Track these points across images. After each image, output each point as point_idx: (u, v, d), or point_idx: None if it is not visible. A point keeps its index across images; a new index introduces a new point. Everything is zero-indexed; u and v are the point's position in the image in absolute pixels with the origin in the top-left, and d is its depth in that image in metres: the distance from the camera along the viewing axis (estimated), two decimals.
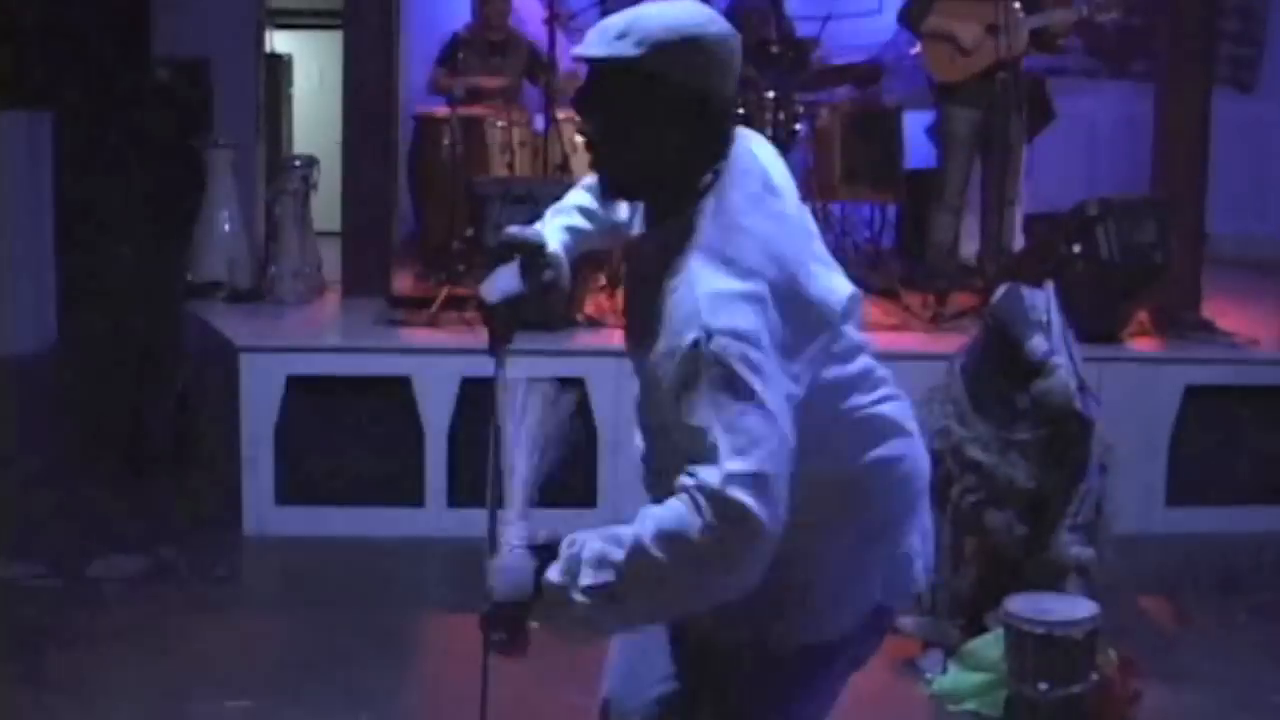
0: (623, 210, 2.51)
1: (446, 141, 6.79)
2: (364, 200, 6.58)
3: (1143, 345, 6.01)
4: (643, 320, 2.21)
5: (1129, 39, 8.79)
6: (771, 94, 6.83)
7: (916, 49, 6.86)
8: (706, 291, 2.09)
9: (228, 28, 7.77)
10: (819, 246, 2.32)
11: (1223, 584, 5.29)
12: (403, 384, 5.56)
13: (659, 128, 2.20)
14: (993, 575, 4.41)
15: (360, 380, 5.62)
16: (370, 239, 6.62)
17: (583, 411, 5.51)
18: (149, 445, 6.03)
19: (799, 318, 2.15)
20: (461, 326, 5.77)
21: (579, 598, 2.07)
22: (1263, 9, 9.08)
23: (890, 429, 2.33)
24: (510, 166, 6.95)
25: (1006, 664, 4.06)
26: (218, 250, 6.91)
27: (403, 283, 6.74)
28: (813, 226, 2.34)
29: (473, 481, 5.31)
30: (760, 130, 2.99)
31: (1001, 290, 4.66)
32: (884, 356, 2.39)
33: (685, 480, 2.04)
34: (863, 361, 2.30)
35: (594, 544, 2.08)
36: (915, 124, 7.18)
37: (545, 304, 2.46)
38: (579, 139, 6.88)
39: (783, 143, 6.54)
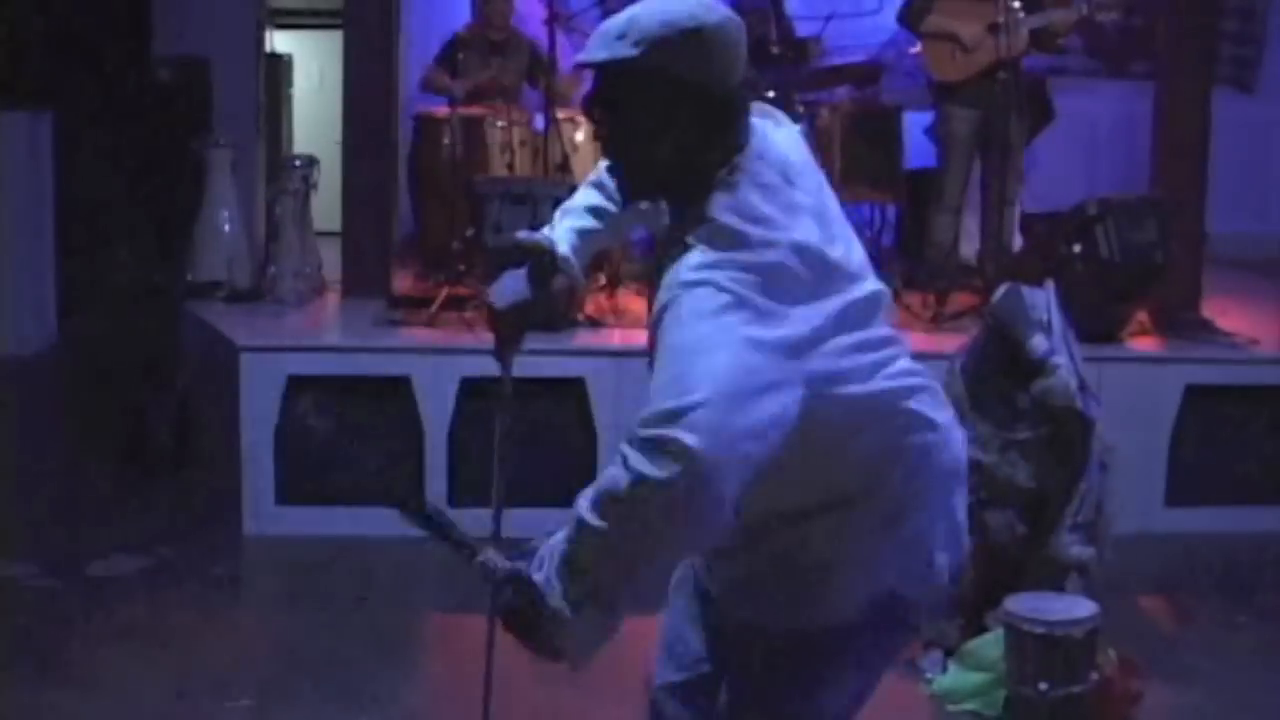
0: (644, 207, 2.47)
1: (446, 141, 6.78)
2: (364, 200, 6.57)
3: (1143, 345, 6.00)
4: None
5: (1129, 39, 8.79)
6: (771, 94, 6.82)
7: (917, 49, 6.86)
8: (692, 264, 2.10)
9: (228, 28, 7.76)
10: (841, 229, 2.28)
11: (1223, 584, 5.28)
12: (403, 384, 5.55)
13: (667, 123, 2.20)
14: (993, 575, 4.40)
15: (360, 380, 5.61)
16: (370, 239, 6.61)
17: (582, 411, 5.51)
18: (149, 445, 6.03)
19: (814, 283, 2.14)
20: (461, 326, 5.77)
21: (569, 608, 2.08)
22: (1263, 9, 9.06)
23: (917, 421, 2.30)
24: (510, 166, 6.94)
25: (1006, 664, 4.06)
26: (217, 250, 6.89)
27: (403, 283, 6.73)
28: (835, 208, 2.31)
29: (473, 481, 5.32)
30: None
31: (1001, 290, 4.66)
32: None
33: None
34: (889, 351, 2.28)
35: (554, 552, 2.10)
36: (915, 124, 7.17)
37: (554, 309, 2.46)
38: (579, 139, 6.89)
39: None
